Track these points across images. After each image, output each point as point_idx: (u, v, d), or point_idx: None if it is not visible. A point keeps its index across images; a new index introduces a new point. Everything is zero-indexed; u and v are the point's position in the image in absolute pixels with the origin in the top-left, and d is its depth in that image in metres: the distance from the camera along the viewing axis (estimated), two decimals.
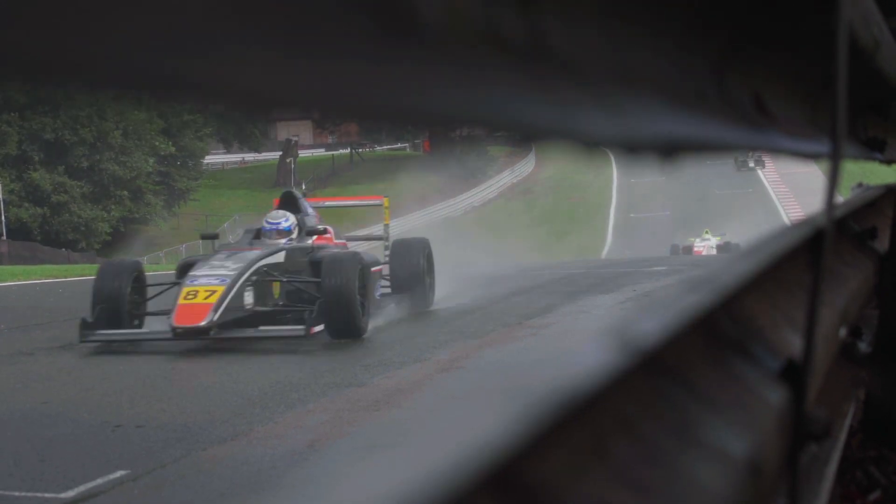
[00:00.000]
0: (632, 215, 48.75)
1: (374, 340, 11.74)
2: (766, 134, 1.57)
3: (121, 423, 7.99)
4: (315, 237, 13.46)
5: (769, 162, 51.84)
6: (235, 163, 59.34)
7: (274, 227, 13.39)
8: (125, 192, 43.87)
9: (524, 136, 0.79)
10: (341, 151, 58.51)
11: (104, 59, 0.40)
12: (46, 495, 6.17)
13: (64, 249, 40.50)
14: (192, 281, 11.64)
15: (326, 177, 54.20)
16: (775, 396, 1.21)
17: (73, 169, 42.45)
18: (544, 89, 0.73)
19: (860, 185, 3.53)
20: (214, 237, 14.53)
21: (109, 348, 11.44)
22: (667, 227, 42.79)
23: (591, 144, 0.84)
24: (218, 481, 6.30)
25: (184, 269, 12.36)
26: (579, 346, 0.85)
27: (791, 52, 1.52)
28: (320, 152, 59.50)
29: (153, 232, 47.24)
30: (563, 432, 0.72)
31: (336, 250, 13.18)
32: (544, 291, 16.75)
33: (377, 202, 18.05)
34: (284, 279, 12.38)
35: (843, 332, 2.11)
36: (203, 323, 11.18)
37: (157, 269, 23.10)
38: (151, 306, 12.48)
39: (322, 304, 11.65)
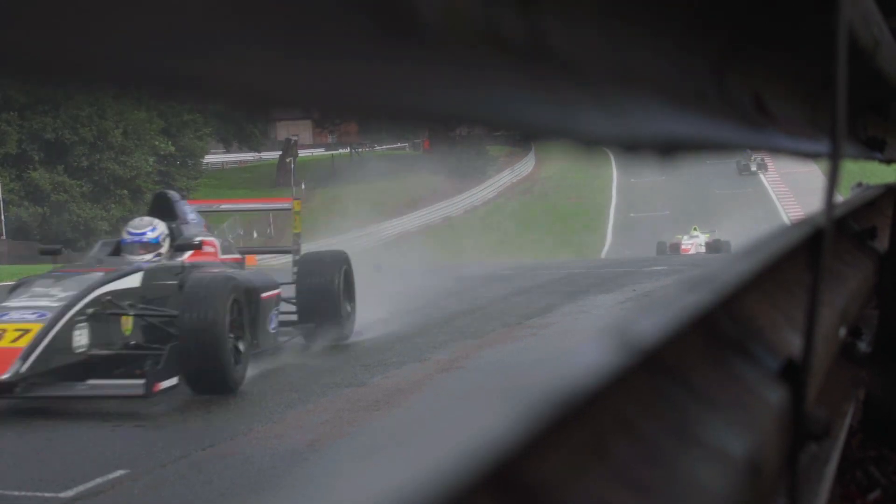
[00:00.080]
0: (631, 215, 48.76)
1: (373, 340, 11.69)
2: (766, 134, 1.57)
3: (121, 423, 8.00)
4: (188, 253, 10.13)
5: (770, 163, 51.79)
6: (235, 162, 59.36)
7: (137, 238, 10.06)
8: (125, 192, 43.86)
9: (524, 136, 0.79)
10: (341, 151, 58.52)
11: (104, 58, 0.40)
12: (46, 495, 6.18)
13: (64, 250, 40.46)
14: (0, 315, 8.52)
15: (326, 176, 54.25)
16: (775, 396, 1.21)
17: (72, 168, 42.44)
18: (544, 89, 0.73)
19: (860, 184, 3.53)
20: (56, 252, 10.88)
21: None
22: (667, 226, 42.78)
23: (591, 144, 0.84)
24: (218, 481, 6.31)
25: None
26: (579, 346, 0.85)
27: (791, 52, 1.52)
28: (320, 152, 59.51)
29: None
30: (563, 432, 0.72)
31: (217, 271, 9.88)
32: (544, 291, 16.75)
33: (285, 206, 14.39)
34: (133, 312, 9.19)
35: (842, 331, 2.11)
36: (5, 376, 8.01)
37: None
38: None
39: (175, 349, 8.59)
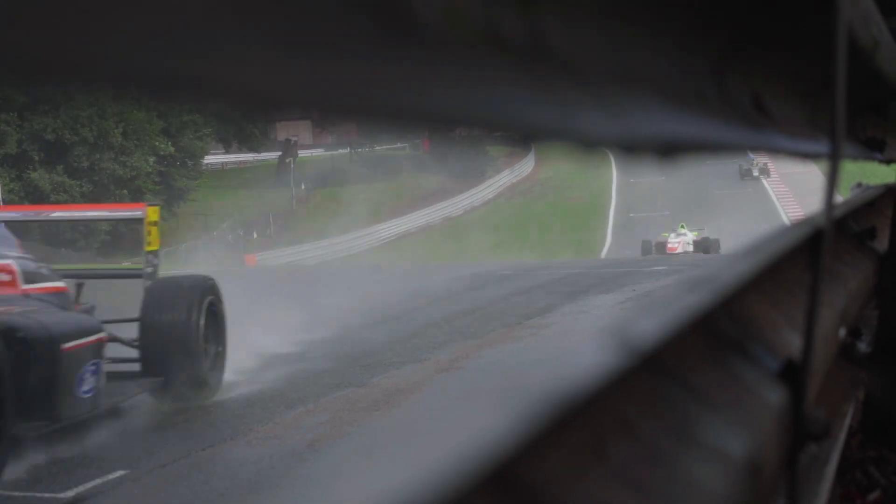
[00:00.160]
0: (631, 215, 48.76)
1: (373, 340, 11.66)
2: (766, 134, 1.57)
3: (121, 423, 7.99)
4: None
5: (772, 167, 51.66)
6: (235, 163, 59.36)
7: None
8: (125, 192, 43.87)
9: (524, 136, 0.79)
10: (340, 151, 58.52)
11: (104, 59, 0.40)
12: (46, 495, 6.18)
13: (63, 249, 40.49)
14: None
15: (325, 176, 54.25)
16: (775, 396, 1.21)
17: (72, 168, 42.46)
18: (544, 89, 0.73)
19: (859, 184, 3.53)
20: None
21: None
22: (667, 226, 42.78)
23: (591, 144, 0.84)
24: (218, 481, 6.31)
25: None
26: (579, 347, 0.85)
27: (791, 52, 1.52)
28: (319, 152, 59.51)
29: None
30: (563, 432, 0.73)
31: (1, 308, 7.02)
32: (544, 291, 16.77)
33: (135, 214, 10.45)
34: None
35: (842, 332, 2.11)
36: None
37: None
38: None
39: None
